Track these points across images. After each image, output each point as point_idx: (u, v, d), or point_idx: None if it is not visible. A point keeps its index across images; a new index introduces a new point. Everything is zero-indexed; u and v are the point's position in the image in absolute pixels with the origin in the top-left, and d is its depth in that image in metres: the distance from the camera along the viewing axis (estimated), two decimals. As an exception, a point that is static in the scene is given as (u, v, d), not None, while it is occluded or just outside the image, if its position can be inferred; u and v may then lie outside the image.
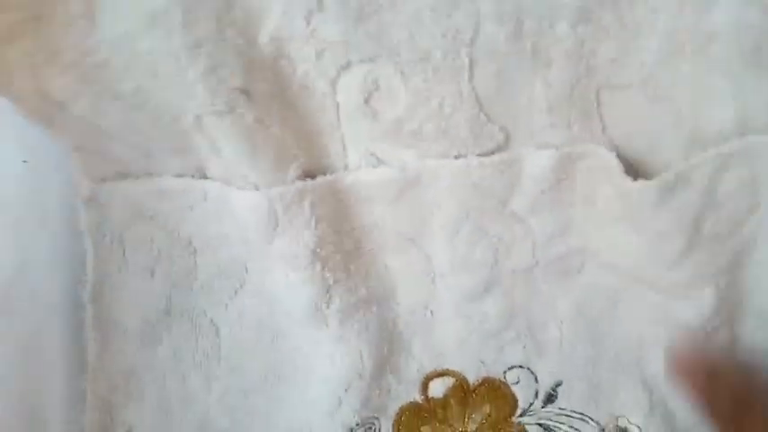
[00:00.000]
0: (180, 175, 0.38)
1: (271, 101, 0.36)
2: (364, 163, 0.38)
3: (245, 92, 0.34)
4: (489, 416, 0.41)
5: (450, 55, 0.35)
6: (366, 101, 0.37)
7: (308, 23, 0.34)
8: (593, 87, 0.37)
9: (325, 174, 0.38)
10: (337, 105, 0.37)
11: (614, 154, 0.37)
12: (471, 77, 0.36)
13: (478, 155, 0.38)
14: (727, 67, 0.35)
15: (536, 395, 0.41)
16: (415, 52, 0.35)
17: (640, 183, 0.36)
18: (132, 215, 0.39)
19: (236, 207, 0.37)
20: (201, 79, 0.33)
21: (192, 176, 0.38)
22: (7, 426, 0.37)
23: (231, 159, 0.36)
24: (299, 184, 0.37)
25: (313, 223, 0.37)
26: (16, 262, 0.38)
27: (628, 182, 0.36)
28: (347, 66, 0.36)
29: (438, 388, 0.41)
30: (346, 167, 0.39)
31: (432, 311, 0.41)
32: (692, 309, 0.38)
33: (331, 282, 0.38)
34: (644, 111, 0.37)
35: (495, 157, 0.38)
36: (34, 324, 0.39)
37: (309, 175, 0.38)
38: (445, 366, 0.41)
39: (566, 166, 0.38)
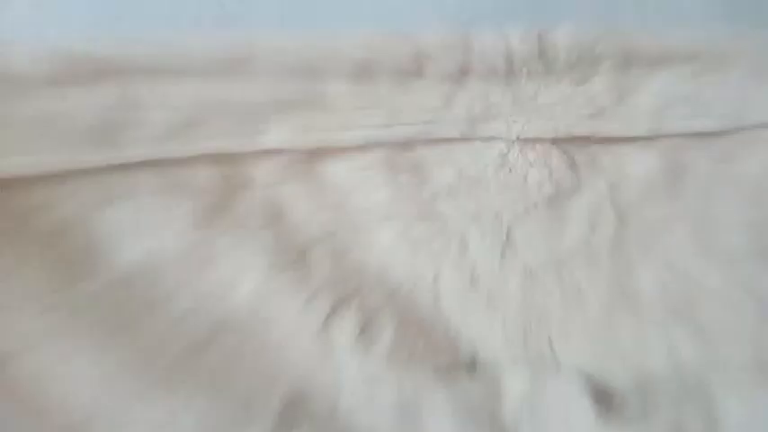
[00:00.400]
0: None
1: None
2: (358, 395, 0.36)
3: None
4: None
5: (420, 290, 0.36)
6: (358, 336, 0.36)
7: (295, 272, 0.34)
8: (544, 335, 0.37)
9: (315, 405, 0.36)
10: (330, 342, 0.35)
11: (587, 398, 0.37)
12: (438, 304, 0.36)
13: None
14: (659, 321, 0.38)
15: None
16: (385, 290, 0.36)
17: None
18: None
19: None
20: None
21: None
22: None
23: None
24: None
25: None
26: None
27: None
28: (338, 303, 0.35)
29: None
30: (338, 400, 0.36)
31: None
32: None
33: None
34: (596, 358, 0.38)
35: (479, 373, 0.37)
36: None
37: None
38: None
39: (540, 394, 0.37)
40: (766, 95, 0.36)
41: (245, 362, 0.35)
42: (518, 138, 0.33)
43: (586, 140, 0.35)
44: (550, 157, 0.35)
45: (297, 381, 0.36)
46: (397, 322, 0.36)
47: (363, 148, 0.32)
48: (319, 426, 0.36)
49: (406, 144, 0.33)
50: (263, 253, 0.34)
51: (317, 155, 0.33)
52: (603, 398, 0.37)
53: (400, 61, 0.30)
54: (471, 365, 0.38)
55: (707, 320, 0.39)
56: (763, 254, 0.39)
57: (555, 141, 0.34)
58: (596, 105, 0.34)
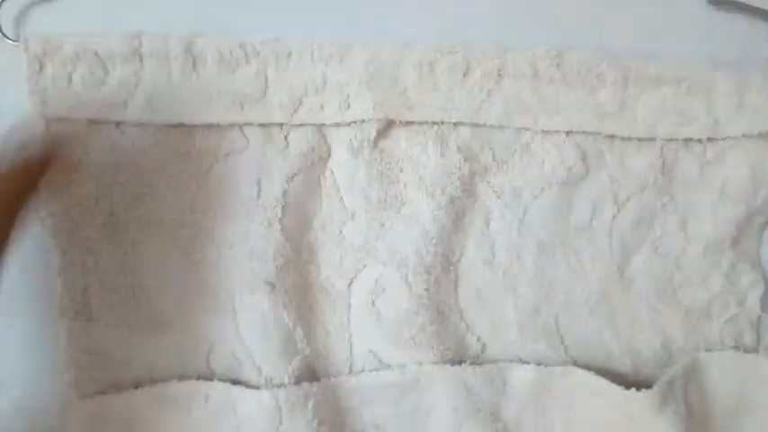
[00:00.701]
0: (183, 378, 0.39)
1: (291, 297, 0.40)
2: (367, 364, 0.42)
3: (271, 284, 0.39)
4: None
5: (445, 271, 0.42)
6: (373, 302, 0.41)
7: (341, 232, 0.40)
8: (552, 312, 0.43)
9: (327, 371, 0.41)
10: (349, 306, 0.41)
11: (593, 373, 0.42)
12: (456, 290, 0.42)
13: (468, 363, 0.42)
14: (648, 302, 0.44)
15: None
16: (420, 264, 0.41)
17: (644, 392, 0.40)
18: (124, 426, 0.38)
19: (240, 405, 0.39)
20: (240, 264, 0.39)
21: (198, 378, 0.40)
22: (8, 426, 0.38)
23: (245, 335, 0.40)
24: (305, 385, 0.39)
25: (315, 424, 0.39)
26: (18, 261, 0.37)
27: (626, 391, 0.41)
28: (364, 268, 0.41)
29: None
30: (351, 368, 0.42)
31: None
32: None
33: None
34: (596, 334, 0.44)
35: (486, 366, 0.42)
36: (34, 324, 0.39)
37: (311, 370, 0.41)
38: None
39: (546, 382, 0.42)
40: (743, 113, 0.42)
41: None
42: (542, 130, 0.41)
43: (595, 137, 0.42)
44: (565, 147, 0.41)
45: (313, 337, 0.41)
46: (413, 302, 0.41)
47: (421, 125, 0.40)
48: (328, 396, 0.40)
49: (455, 126, 0.40)
50: (327, 208, 0.41)
51: (382, 133, 0.40)
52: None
53: (454, 61, 0.39)
54: (477, 360, 0.43)
55: (690, 303, 0.45)
56: (741, 245, 0.45)
57: (569, 134, 0.41)
58: (603, 110, 0.41)
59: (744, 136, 0.43)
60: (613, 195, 0.43)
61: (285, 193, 0.39)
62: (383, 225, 0.41)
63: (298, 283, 0.40)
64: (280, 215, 0.39)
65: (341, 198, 0.41)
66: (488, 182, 0.42)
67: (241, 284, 0.39)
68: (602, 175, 0.43)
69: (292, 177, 0.39)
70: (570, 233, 0.43)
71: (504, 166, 0.42)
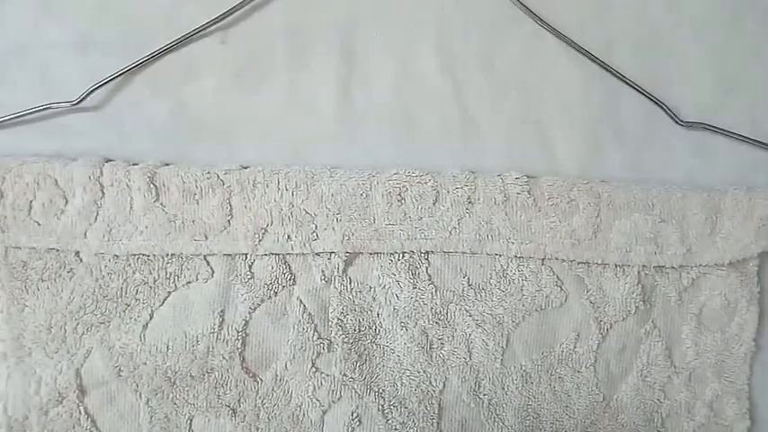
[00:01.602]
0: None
1: (254, 422, 0.39)
2: None
3: (232, 409, 0.39)
4: None
5: (423, 402, 0.41)
6: None
7: (313, 364, 0.40)
8: None
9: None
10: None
11: None
12: (439, 422, 0.41)
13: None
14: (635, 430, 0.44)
15: None
16: (395, 396, 0.40)
17: None
18: None
19: None
20: (203, 390, 0.38)
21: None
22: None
23: None
24: None
25: None
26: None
27: None
28: (339, 399, 0.40)
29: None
30: None
31: None
32: None
33: None
34: None
35: None
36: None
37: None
38: None
39: None
40: (715, 241, 0.42)
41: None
42: (515, 255, 0.40)
43: (570, 263, 0.41)
44: (541, 274, 0.41)
45: None
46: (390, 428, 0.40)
47: (391, 255, 0.39)
48: None
49: (426, 255, 0.40)
50: (298, 341, 0.39)
51: (351, 262, 0.39)
52: None
53: (423, 190, 0.39)
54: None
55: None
56: (720, 373, 0.44)
57: (544, 262, 0.41)
58: (576, 237, 0.41)
59: (716, 265, 0.43)
60: (597, 322, 0.42)
61: (247, 324, 0.39)
62: (360, 355, 0.40)
63: (263, 410, 0.40)
64: (240, 348, 0.39)
65: (314, 327, 0.39)
66: (467, 310, 0.41)
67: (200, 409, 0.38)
68: (582, 301, 0.42)
69: (255, 308, 0.39)
70: (554, 361, 0.42)
71: (482, 293, 0.41)
